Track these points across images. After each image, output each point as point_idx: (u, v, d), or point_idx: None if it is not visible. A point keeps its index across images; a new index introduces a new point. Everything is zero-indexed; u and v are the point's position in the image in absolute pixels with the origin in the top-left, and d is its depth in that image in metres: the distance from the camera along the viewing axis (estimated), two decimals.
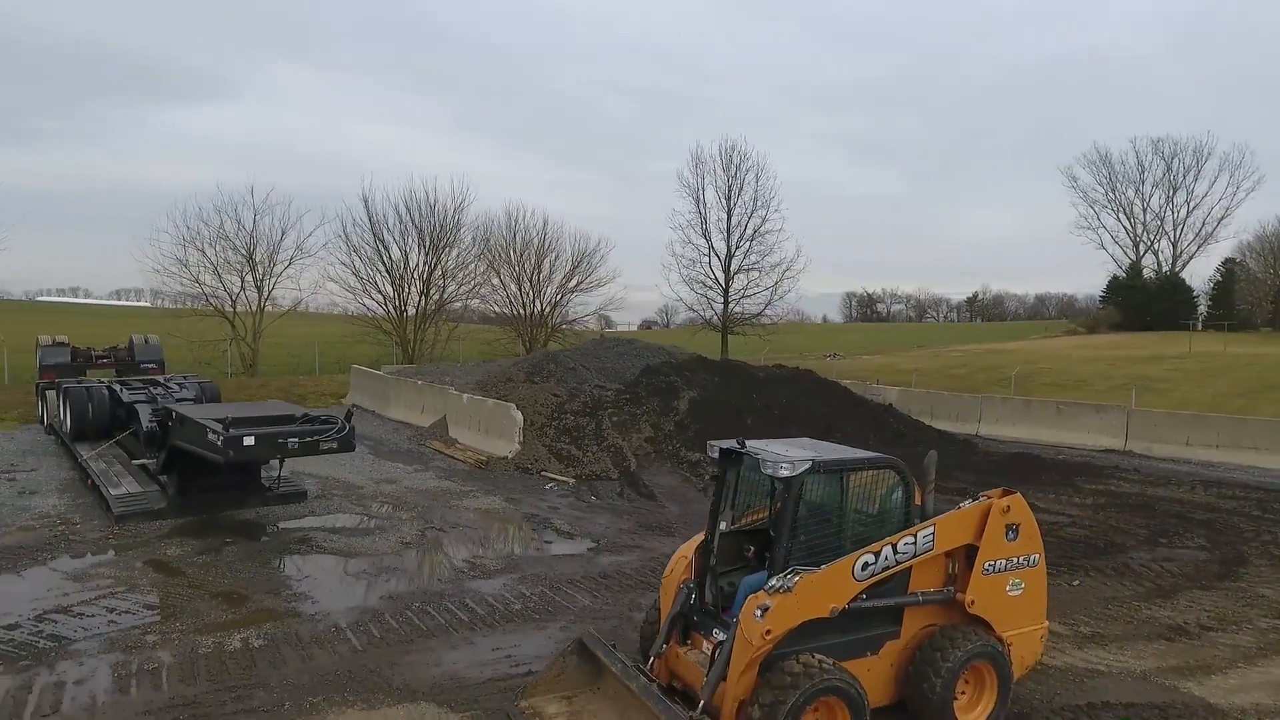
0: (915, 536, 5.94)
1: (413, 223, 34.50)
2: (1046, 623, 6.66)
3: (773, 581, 5.59)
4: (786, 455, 5.84)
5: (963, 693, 6.16)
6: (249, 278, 32.50)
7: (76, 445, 15.78)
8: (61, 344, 20.74)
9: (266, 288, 32.99)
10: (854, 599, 5.74)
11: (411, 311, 34.91)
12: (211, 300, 31.82)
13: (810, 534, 5.95)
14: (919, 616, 6.21)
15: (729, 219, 37.38)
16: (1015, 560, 6.35)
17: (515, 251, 37.88)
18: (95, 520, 11.89)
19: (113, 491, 12.70)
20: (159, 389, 16.68)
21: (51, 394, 18.50)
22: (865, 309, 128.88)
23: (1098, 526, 12.34)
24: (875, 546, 5.79)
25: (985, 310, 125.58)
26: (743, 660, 5.46)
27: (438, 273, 35.02)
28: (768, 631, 5.38)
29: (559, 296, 38.73)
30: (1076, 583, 9.85)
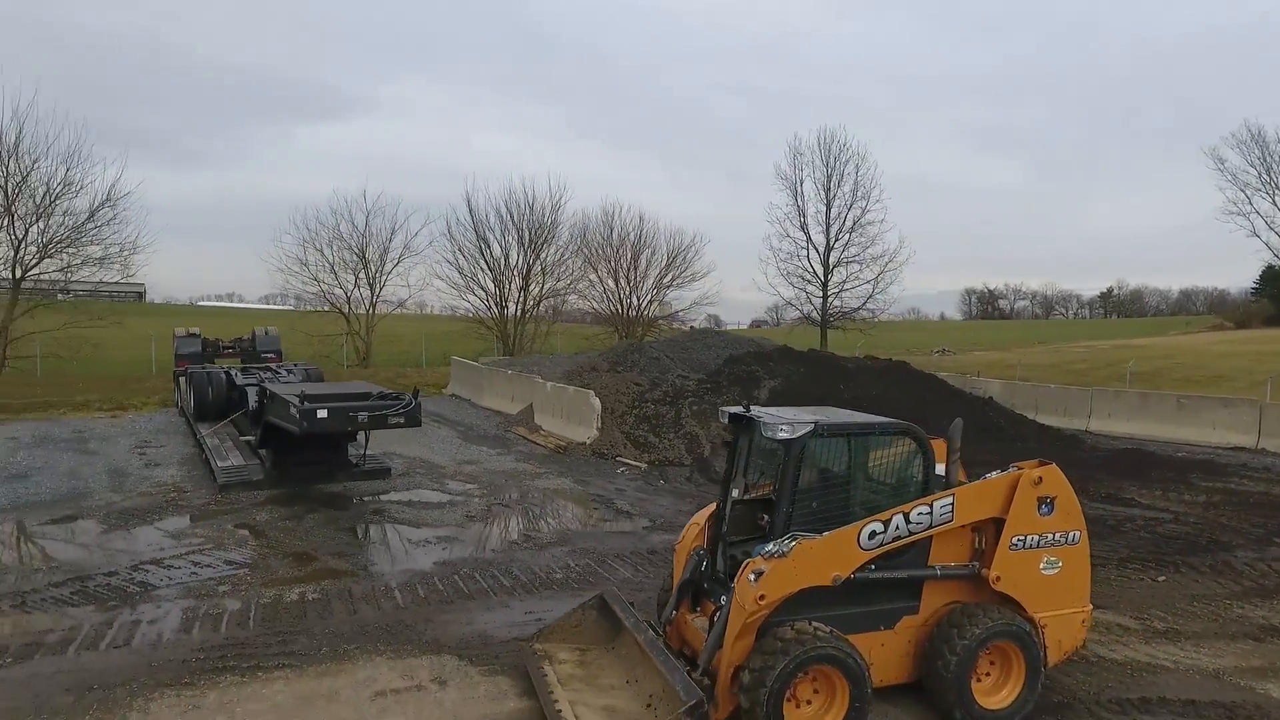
0: (931, 506, 5.66)
1: (512, 221, 35.80)
2: (1090, 606, 6.16)
3: (769, 546, 5.47)
4: (787, 418, 5.70)
5: (987, 674, 5.81)
6: (362, 275, 34.67)
7: (197, 424, 17.30)
8: (194, 335, 22.73)
9: (378, 285, 35.06)
10: (860, 569, 5.53)
11: (512, 307, 36.21)
12: (329, 297, 34.16)
13: (815, 500, 5.78)
14: (941, 592, 5.90)
15: (828, 211, 36.51)
16: (1050, 537, 5.93)
17: (612, 247, 38.49)
18: (203, 489, 13.02)
19: (219, 464, 13.88)
20: (268, 374, 18.04)
21: (183, 380, 20.36)
22: (986, 306, 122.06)
23: (1203, 524, 11.27)
24: (885, 515, 5.56)
25: (1121, 306, 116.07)
26: (737, 625, 5.37)
27: (536, 268, 36.13)
28: (761, 596, 5.27)
29: (655, 291, 39.01)
30: (1162, 578, 9.04)
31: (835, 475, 5.93)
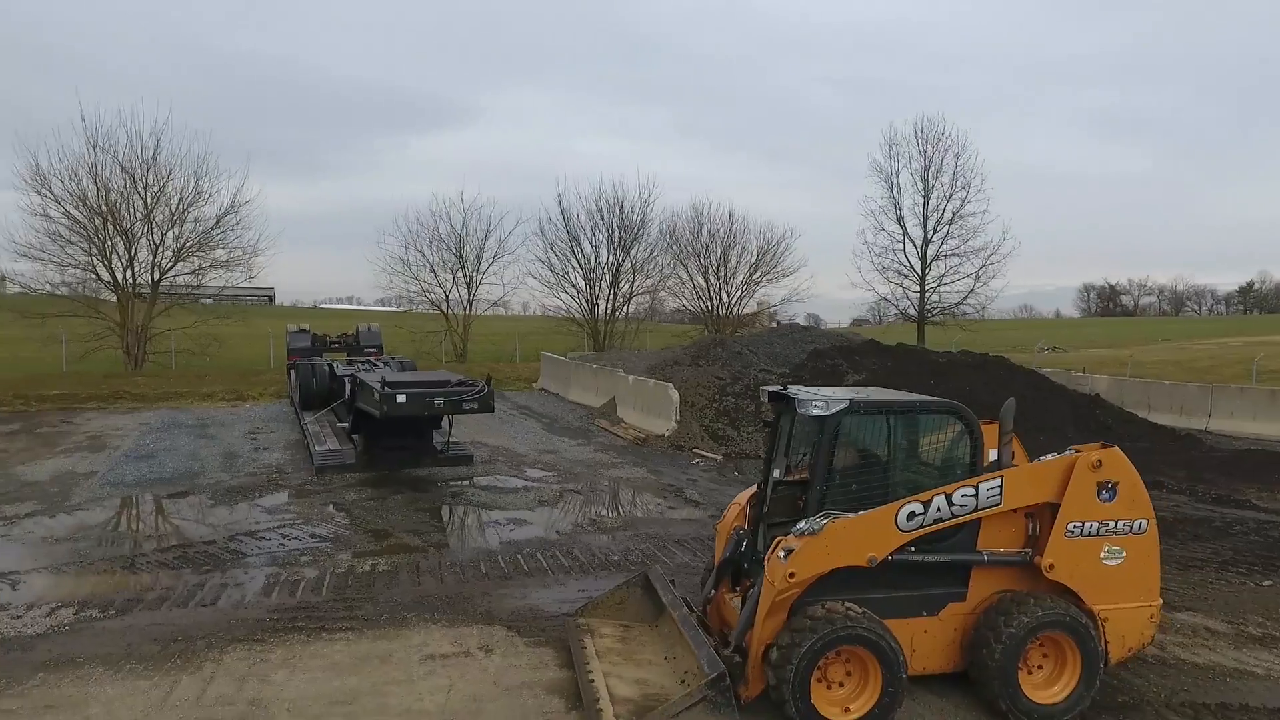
0: (977, 488, 5.43)
1: (601, 220, 36.37)
2: (1160, 602, 5.75)
3: (801, 525, 5.39)
4: (825, 395, 5.60)
5: (1039, 667, 5.52)
6: (459, 274, 36.07)
7: (303, 413, 18.47)
8: (304, 331, 24.24)
9: (475, 283, 36.39)
10: (899, 551, 5.37)
11: (602, 305, 36.80)
12: (428, 295, 35.75)
13: (852, 480, 5.66)
14: (991, 579, 5.65)
15: (925, 203, 35.13)
16: (1112, 525, 5.57)
17: (701, 244, 38.42)
18: (302, 471, 13.90)
19: (317, 448, 14.79)
20: (366, 365, 19.04)
21: (292, 372, 21.77)
22: (1106, 302, 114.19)
23: None
24: (925, 495, 5.37)
25: (1264, 301, 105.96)
26: (768, 602, 5.31)
27: (626, 265, 36.56)
28: (791, 574, 5.20)
29: (745, 287, 38.67)
30: (1267, 583, 8.30)
31: (874, 455, 5.78)
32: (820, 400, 5.53)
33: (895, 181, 35.73)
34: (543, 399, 24.64)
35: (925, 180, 35.13)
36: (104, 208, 28.33)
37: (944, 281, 35.04)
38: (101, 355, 29.43)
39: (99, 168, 28.46)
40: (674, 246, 38.35)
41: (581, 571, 8.59)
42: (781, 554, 5.29)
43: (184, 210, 30.02)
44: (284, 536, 9.91)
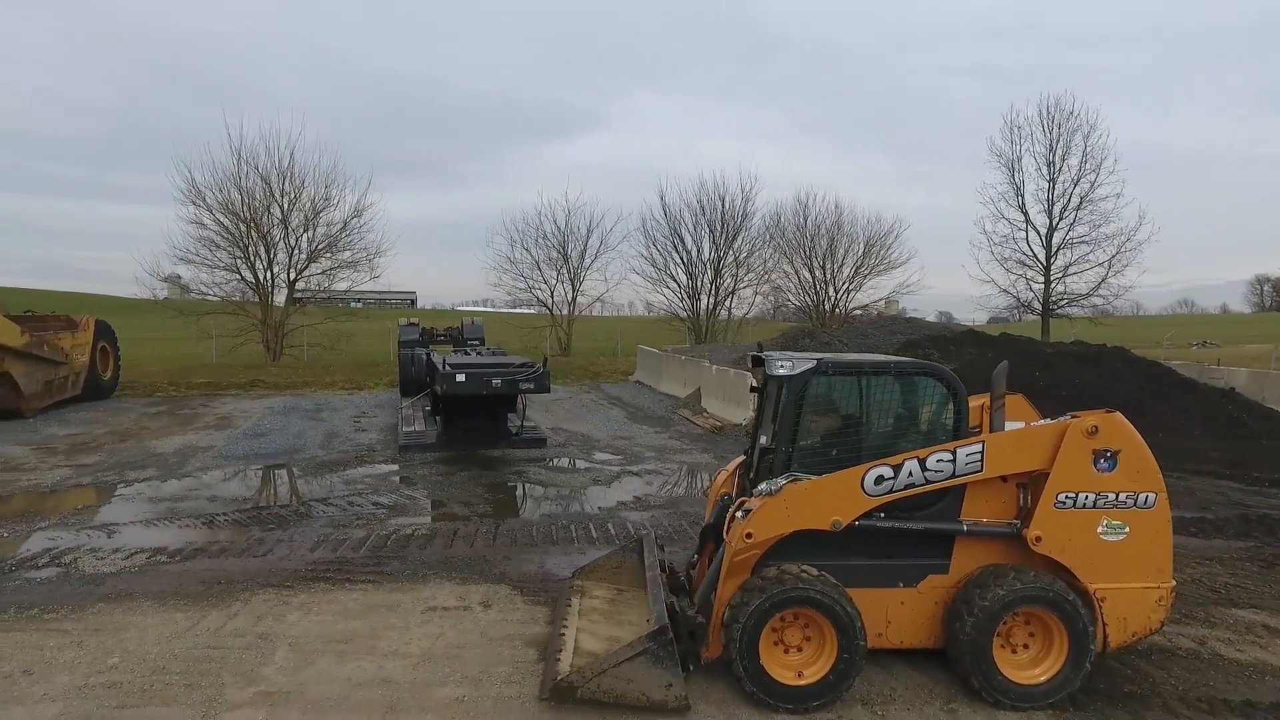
0: (954, 454, 5.14)
1: (703, 214, 36.30)
2: (1172, 584, 5.21)
3: (762, 485, 5.30)
4: (791, 356, 5.47)
5: (1025, 646, 5.16)
6: (563, 270, 37.10)
7: (402, 399, 19.66)
8: (413, 324, 25.69)
9: (578, 280, 37.31)
10: (865, 516, 5.17)
11: (704, 300, 36.72)
12: (534, 291, 37.04)
13: (819, 442, 5.48)
14: (976, 552, 5.33)
15: (1051, 188, 32.64)
16: (1112, 497, 5.12)
17: (806, 236, 37.51)
18: (389, 450, 14.82)
19: (404, 429, 15.72)
20: (460, 353, 20.02)
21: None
22: None
23: None
24: (896, 459, 5.15)
25: None
26: (728, 563, 5.27)
27: (729, 259, 36.32)
28: (749, 534, 5.13)
29: (852, 279, 37.41)
30: None
31: (844, 417, 5.57)
32: (786, 360, 5.41)
33: (1017, 166, 33.45)
34: (635, 390, 24.97)
35: (1050, 163, 32.69)
36: (247, 215, 31.25)
37: (1070, 271, 32.49)
38: (245, 349, 32.43)
39: (242, 179, 31.46)
40: (778, 240, 37.75)
41: (606, 543, 8.73)
42: (740, 514, 5.24)
43: (315, 215, 32.63)
44: (349, 503, 10.65)
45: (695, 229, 37.09)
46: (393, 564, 7.94)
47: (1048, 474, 5.16)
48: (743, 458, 6.47)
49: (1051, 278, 32.64)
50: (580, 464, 13.58)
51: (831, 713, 4.98)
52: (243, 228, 31.43)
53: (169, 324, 33.21)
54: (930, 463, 5.13)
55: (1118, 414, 5.20)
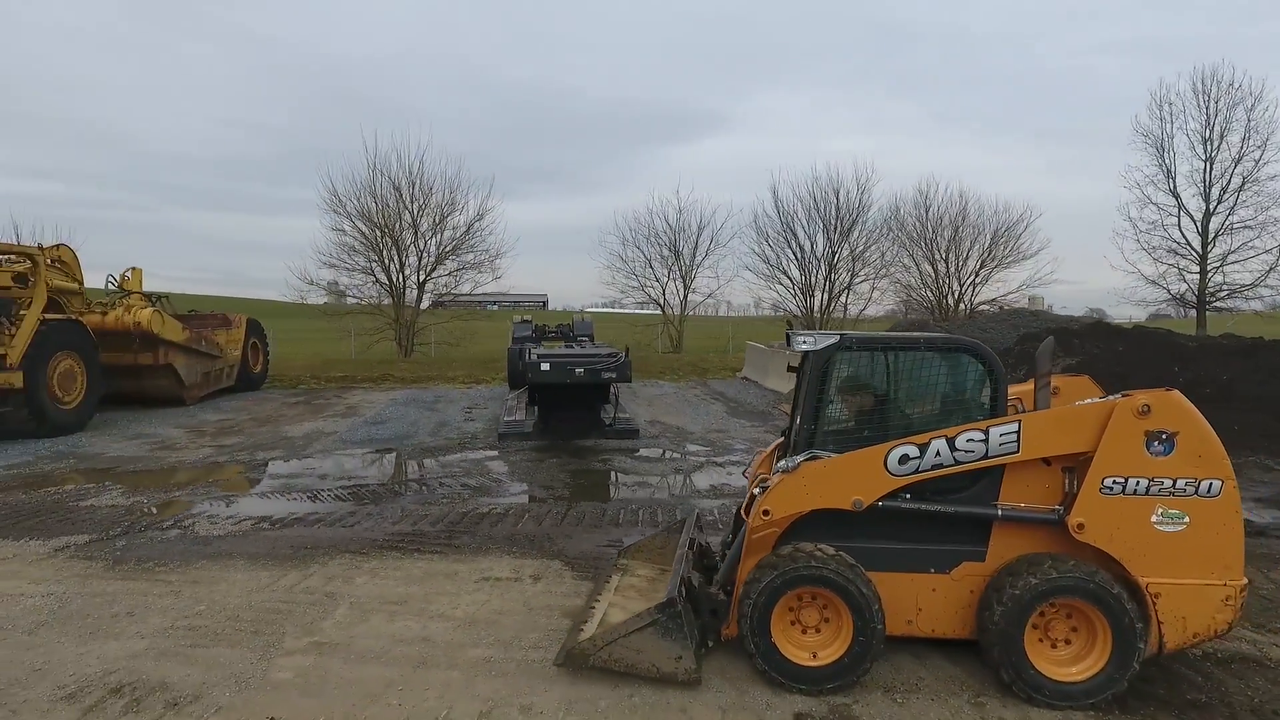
0: (986, 433, 4.86)
1: (816, 208, 35.44)
2: (1243, 581, 4.68)
3: (782, 462, 5.22)
4: (815, 332, 5.34)
5: (1066, 641, 4.81)
6: (675, 268, 37.31)
7: (510, 391, 20.49)
8: (527, 322, 26.71)
9: (690, 277, 37.41)
10: (889, 497, 4.99)
11: (818, 296, 35.84)
12: (646, 290, 37.50)
13: (846, 420, 5.32)
14: (1016, 539, 5.02)
15: (1207, 168, 29.44)
16: (1169, 484, 4.68)
17: (928, 228, 35.78)
18: (490, 438, 15.53)
19: (505, 419, 16.42)
20: (567, 347, 20.64)
21: None
22: None
23: None
24: (923, 437, 4.93)
25: None
26: (747, 541, 5.23)
27: (844, 253, 35.25)
28: (766, 511, 5.07)
29: (978, 271, 35.31)
30: None
31: (871, 395, 5.37)
32: (810, 336, 5.30)
33: (1167, 146, 30.40)
34: (740, 386, 24.79)
35: (1207, 141, 29.50)
36: (380, 221, 33.52)
37: (1230, 260, 29.15)
38: (381, 347, 34.78)
39: (376, 187, 33.78)
40: (897, 233, 36.23)
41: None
42: (757, 490, 5.19)
43: (442, 220, 34.54)
44: (440, 484, 11.27)
45: (809, 224, 36.36)
46: (462, 538, 8.36)
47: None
48: (782, 439, 6.37)
49: (1208, 267, 29.49)
50: (668, 454, 13.68)
51: (848, 697, 4.85)
52: (377, 233, 33.73)
53: (316, 324, 36.13)
54: (960, 442, 4.88)
55: (1176, 392, 4.74)
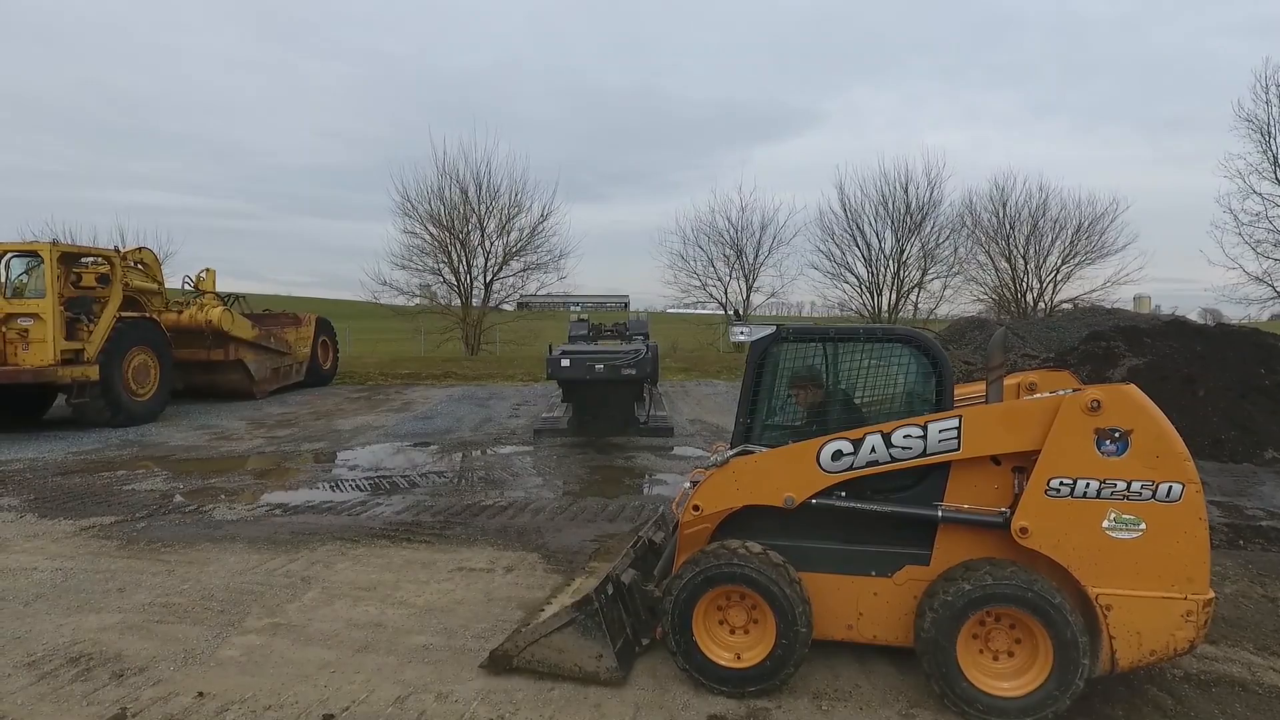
0: (924, 429, 4.57)
1: (883, 205, 34.30)
2: (1209, 595, 4.23)
3: (713, 457, 5.04)
4: (752, 324, 5.14)
5: (1009, 653, 4.46)
6: (737, 266, 36.84)
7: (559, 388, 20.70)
8: (583, 320, 26.91)
9: (753, 275, 36.88)
10: (823, 494, 4.75)
11: (886, 294, 34.69)
12: (707, 289, 37.23)
13: (784, 414, 5.08)
14: (962, 543, 4.69)
15: None
16: (1122, 486, 4.28)
17: (1005, 224, 34.02)
18: (527, 434, 15.73)
19: (542, 415, 16.59)
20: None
21: None
22: None
23: None
24: (857, 432, 4.67)
25: None
26: (678, 537, 5.08)
27: (916, 250, 33.97)
28: (695, 507, 4.92)
29: (1060, 267, 33.32)
30: None
31: (809, 389, 5.12)
32: (745, 327, 5.11)
33: (1273, 132, 27.92)
34: None
35: None
36: (448, 223, 34.49)
37: None
38: (449, 345, 35.77)
39: (445, 190, 34.77)
40: (972, 229, 34.60)
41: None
42: (688, 485, 5.04)
43: (508, 222, 35.26)
44: (460, 477, 11.47)
45: (876, 220, 35.23)
46: (455, 529, 8.48)
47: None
48: None
49: None
50: (697, 453, 13.50)
51: (771, 701, 4.64)
52: (445, 235, 34.72)
53: (394, 324, 37.46)
54: (896, 438, 4.60)
55: (1132, 387, 4.33)
